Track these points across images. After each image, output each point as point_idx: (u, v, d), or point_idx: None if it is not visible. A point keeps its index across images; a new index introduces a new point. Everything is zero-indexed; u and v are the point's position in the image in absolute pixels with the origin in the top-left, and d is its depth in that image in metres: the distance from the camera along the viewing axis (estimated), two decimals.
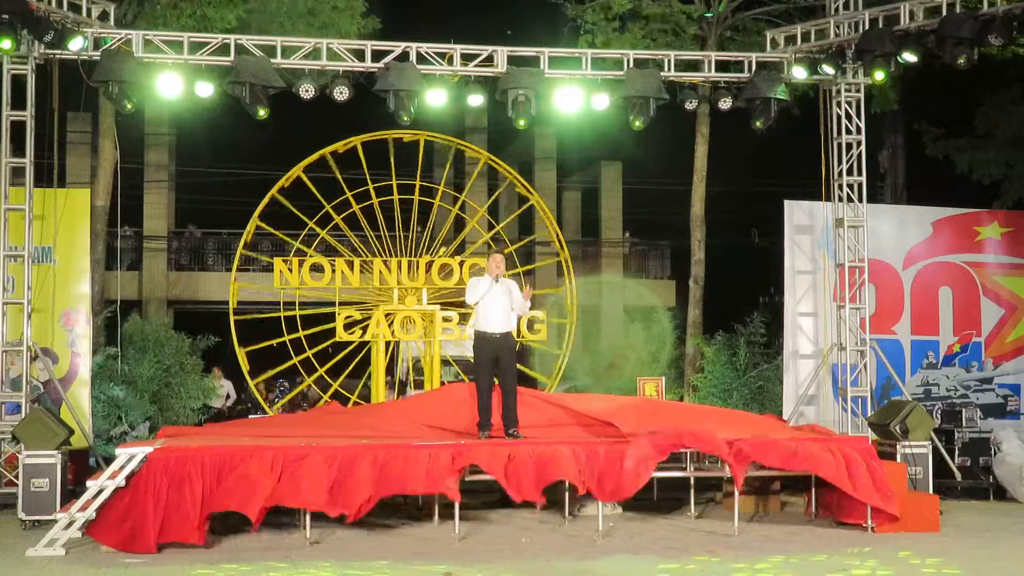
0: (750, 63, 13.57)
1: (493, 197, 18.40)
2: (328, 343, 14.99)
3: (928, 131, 19.34)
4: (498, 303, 10.74)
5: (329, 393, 15.27)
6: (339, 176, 15.08)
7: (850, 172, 13.82)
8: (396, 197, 15.20)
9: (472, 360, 11.18)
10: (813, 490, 11.11)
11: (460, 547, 9.58)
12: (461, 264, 14.86)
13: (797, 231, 14.44)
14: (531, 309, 11.27)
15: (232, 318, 14.67)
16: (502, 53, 13.05)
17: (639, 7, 16.67)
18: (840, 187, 13.85)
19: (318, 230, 15.24)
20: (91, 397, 13.06)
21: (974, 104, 18.47)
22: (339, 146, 14.87)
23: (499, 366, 10.78)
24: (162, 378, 14.85)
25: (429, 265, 14.87)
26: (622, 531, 10.42)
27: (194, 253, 26.92)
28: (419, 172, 15.48)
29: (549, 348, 16.08)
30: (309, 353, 14.92)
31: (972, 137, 18.73)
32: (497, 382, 10.83)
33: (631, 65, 13.26)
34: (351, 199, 15.17)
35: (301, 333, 14.92)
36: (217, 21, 14.64)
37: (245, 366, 14.78)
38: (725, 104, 13.49)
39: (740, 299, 16.69)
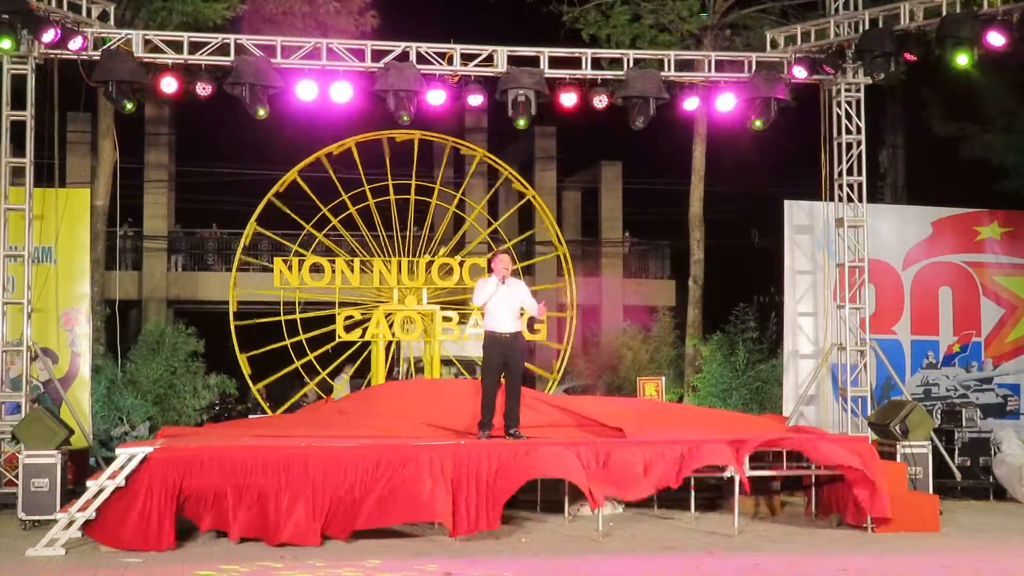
0: (750, 63, 13.57)
1: (472, 188, 18.41)
2: (329, 346, 15.00)
3: (935, 113, 19.08)
4: (506, 303, 10.71)
5: (333, 394, 15.26)
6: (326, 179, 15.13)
7: (850, 172, 13.82)
8: (393, 197, 15.23)
9: (473, 359, 11.17)
10: (813, 490, 11.12)
11: (460, 547, 9.58)
12: (461, 264, 14.88)
13: (797, 231, 14.44)
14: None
15: (233, 322, 14.66)
16: (502, 53, 13.04)
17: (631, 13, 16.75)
18: (840, 187, 13.84)
19: (315, 233, 15.25)
20: (92, 400, 13.07)
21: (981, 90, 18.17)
22: (335, 147, 14.91)
23: (507, 366, 10.77)
24: (167, 379, 14.86)
25: (429, 265, 14.88)
26: (622, 531, 10.42)
27: (194, 253, 26.94)
28: (439, 172, 15.51)
29: (549, 347, 16.09)
30: (311, 356, 14.91)
31: (980, 123, 18.47)
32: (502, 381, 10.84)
33: (631, 65, 13.27)
34: (347, 201, 15.19)
35: (302, 336, 14.92)
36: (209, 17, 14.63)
37: (247, 370, 14.81)
38: (725, 104, 13.49)
39: (740, 299, 16.66)
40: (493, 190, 18.15)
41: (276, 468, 9.61)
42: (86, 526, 9.45)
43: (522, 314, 10.95)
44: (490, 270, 11.15)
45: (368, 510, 9.59)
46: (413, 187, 15.38)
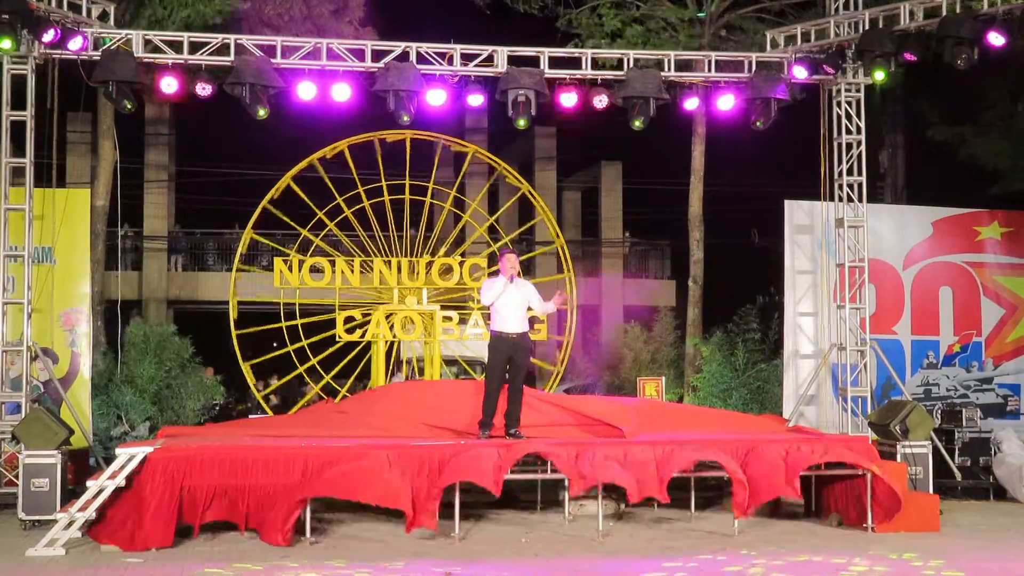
0: (750, 63, 13.56)
1: (472, 188, 18.37)
2: (331, 350, 15.00)
3: (932, 116, 19.18)
4: (514, 303, 10.68)
5: (320, 386, 15.24)
6: (318, 182, 15.11)
7: (850, 172, 13.82)
8: (408, 196, 15.25)
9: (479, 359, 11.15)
10: (813, 490, 11.12)
11: (460, 547, 9.58)
12: (461, 264, 14.88)
13: (797, 231, 14.44)
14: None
15: (234, 332, 14.67)
16: (502, 53, 13.04)
17: (629, 19, 16.80)
18: (840, 187, 13.85)
19: (312, 237, 15.25)
20: (91, 398, 13.07)
21: (977, 93, 18.24)
22: (326, 151, 14.90)
23: (512, 365, 10.75)
24: (163, 379, 14.85)
25: (429, 265, 14.87)
26: (622, 531, 10.42)
27: (194, 253, 26.95)
28: (434, 173, 15.53)
29: (547, 365, 16.10)
30: (314, 361, 14.92)
31: (976, 126, 18.56)
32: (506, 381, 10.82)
33: (631, 65, 13.27)
34: (343, 204, 15.20)
35: (304, 342, 14.92)
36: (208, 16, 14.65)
37: (251, 379, 14.83)
38: (725, 104, 13.49)
39: (740, 299, 16.66)
40: (505, 207, 18.11)
41: (276, 468, 9.61)
42: (87, 526, 9.46)
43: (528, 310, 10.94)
44: (492, 272, 11.15)
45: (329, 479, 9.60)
46: (431, 190, 15.42)
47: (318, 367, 15.15)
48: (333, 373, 15.07)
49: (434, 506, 9.53)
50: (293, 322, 14.96)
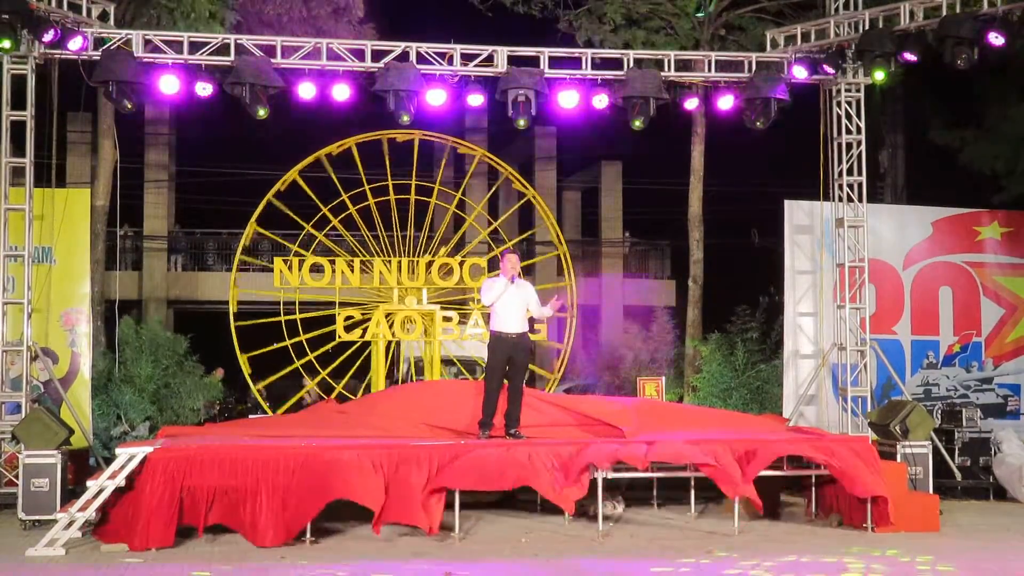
0: (750, 63, 13.56)
1: (473, 189, 18.40)
2: (329, 345, 15.00)
3: (934, 120, 19.22)
4: (514, 304, 10.70)
5: (334, 394, 15.25)
6: (333, 177, 15.11)
7: (850, 172, 13.82)
8: (393, 197, 15.24)
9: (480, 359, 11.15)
10: (814, 490, 11.12)
11: (460, 547, 9.58)
12: (461, 264, 14.88)
13: (797, 231, 14.44)
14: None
15: (233, 323, 14.67)
16: (502, 53, 13.04)
17: (632, 11, 16.83)
18: (840, 187, 13.85)
19: (315, 233, 15.25)
20: (91, 398, 13.07)
21: (977, 96, 18.24)
22: (333, 148, 14.92)
23: (512, 365, 10.76)
24: (160, 378, 14.85)
25: (429, 265, 14.88)
26: (622, 531, 10.42)
27: (194, 253, 26.95)
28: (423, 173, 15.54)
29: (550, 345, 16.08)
30: (324, 375, 14.92)
31: (977, 129, 18.59)
32: (506, 381, 10.82)
33: (631, 65, 13.27)
34: (328, 213, 15.21)
35: (311, 355, 14.92)
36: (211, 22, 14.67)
37: (247, 369, 14.81)
38: (725, 104, 13.49)
39: (740, 299, 16.66)
40: (493, 189, 18.13)
41: (276, 468, 9.61)
42: (91, 527, 9.45)
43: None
44: (492, 271, 11.15)
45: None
46: (413, 187, 15.40)
47: (329, 379, 15.18)
48: (344, 382, 15.10)
49: (437, 506, 9.54)
50: (297, 339, 14.97)
